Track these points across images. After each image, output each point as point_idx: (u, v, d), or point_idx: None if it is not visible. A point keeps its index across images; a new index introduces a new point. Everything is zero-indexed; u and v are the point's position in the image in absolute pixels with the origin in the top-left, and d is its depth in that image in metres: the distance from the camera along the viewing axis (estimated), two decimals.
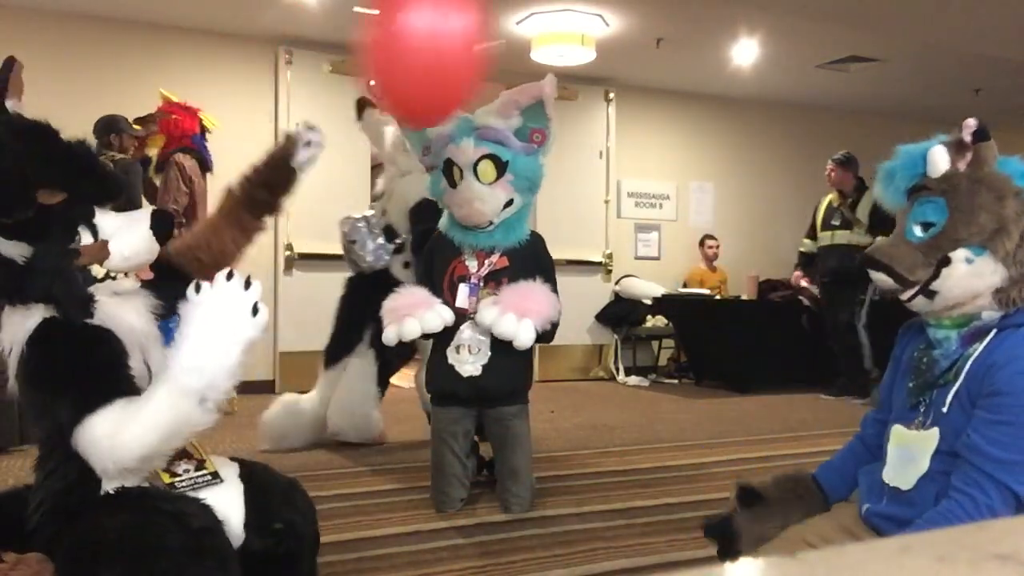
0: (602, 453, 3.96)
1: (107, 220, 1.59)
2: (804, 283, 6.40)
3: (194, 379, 1.41)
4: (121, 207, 1.65)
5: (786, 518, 1.57)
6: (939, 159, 1.41)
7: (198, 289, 1.45)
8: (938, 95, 7.38)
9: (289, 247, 5.91)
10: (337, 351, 4.08)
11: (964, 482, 1.30)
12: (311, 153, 2.07)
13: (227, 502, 1.59)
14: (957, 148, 1.42)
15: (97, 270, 1.58)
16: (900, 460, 1.44)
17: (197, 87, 5.76)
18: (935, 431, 1.39)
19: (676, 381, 7.03)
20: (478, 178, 2.79)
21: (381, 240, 4.01)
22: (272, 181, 2.03)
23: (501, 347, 2.80)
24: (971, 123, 1.41)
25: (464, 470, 3.00)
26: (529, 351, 2.91)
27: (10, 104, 1.57)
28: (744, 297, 6.96)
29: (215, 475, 1.60)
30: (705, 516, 1.75)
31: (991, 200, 1.37)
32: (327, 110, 6.04)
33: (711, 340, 6.61)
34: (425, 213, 4.01)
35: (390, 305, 2.84)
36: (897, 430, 1.48)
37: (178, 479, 1.56)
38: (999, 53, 6.22)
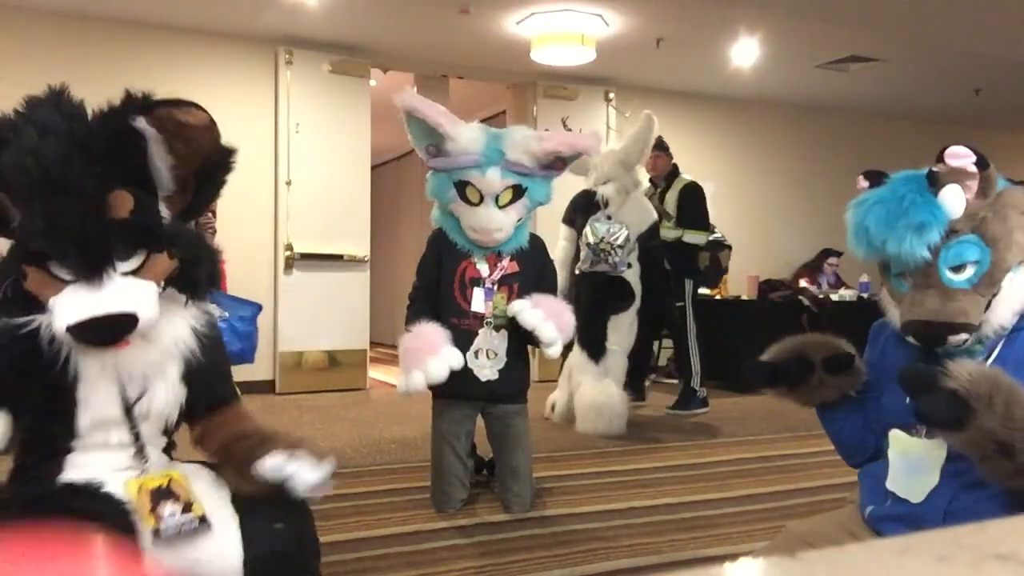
0: (602, 453, 3.96)
1: None
2: None
3: None
4: None
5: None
6: (956, 199, 1.37)
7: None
8: (938, 95, 7.37)
9: (289, 247, 5.91)
10: (600, 344, 4.48)
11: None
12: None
13: (223, 546, 1.48)
14: (963, 181, 1.38)
15: None
16: (905, 470, 1.40)
17: (197, 87, 5.77)
18: (941, 440, 1.34)
19: (676, 381, 7.01)
20: (496, 202, 2.84)
21: (629, 248, 4.46)
22: None
23: (514, 352, 2.91)
24: (960, 151, 1.37)
25: (465, 470, 3.00)
26: (528, 354, 2.99)
27: None
28: (744, 297, 6.96)
29: (203, 519, 1.47)
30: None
31: (1019, 217, 1.36)
32: (327, 110, 6.06)
33: (711, 340, 6.61)
34: (656, 233, 4.75)
35: (406, 346, 2.78)
36: (897, 435, 1.44)
37: (162, 524, 1.43)
38: (999, 53, 6.22)
